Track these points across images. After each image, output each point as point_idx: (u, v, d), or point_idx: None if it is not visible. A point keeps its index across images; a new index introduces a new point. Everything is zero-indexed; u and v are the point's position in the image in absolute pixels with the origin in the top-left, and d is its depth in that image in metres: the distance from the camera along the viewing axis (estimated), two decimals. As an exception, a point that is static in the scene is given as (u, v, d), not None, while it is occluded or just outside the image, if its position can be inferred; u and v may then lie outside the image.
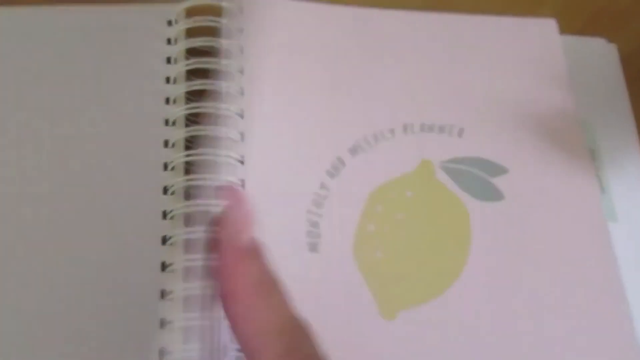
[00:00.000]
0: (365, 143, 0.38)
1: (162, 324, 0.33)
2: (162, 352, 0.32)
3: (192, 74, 0.39)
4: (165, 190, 0.36)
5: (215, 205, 0.34)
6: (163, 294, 0.34)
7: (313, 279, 0.35)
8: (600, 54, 0.47)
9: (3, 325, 0.33)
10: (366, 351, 0.34)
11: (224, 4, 0.40)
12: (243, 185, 0.36)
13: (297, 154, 0.38)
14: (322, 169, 0.37)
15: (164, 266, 0.34)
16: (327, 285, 0.35)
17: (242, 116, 0.38)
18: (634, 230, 0.41)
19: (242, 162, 0.37)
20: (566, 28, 0.46)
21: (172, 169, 0.37)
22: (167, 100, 0.38)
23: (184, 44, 0.39)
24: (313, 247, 0.36)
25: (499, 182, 0.39)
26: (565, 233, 0.38)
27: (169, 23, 0.41)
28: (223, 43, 0.39)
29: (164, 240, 0.35)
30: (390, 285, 0.36)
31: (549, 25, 0.44)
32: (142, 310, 0.33)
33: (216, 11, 0.40)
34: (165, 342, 0.32)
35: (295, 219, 0.36)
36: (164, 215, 0.36)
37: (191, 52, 0.40)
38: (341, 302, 0.35)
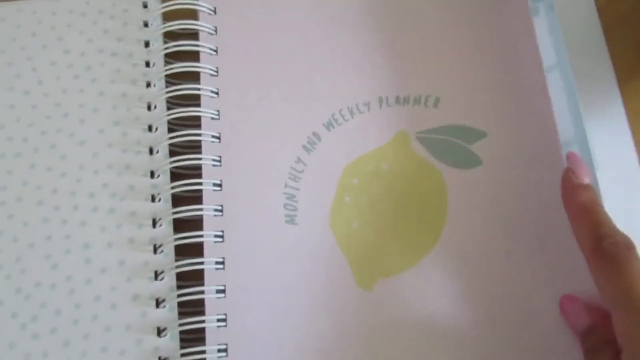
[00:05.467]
0: (340, 117, 0.39)
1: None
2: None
3: (170, 56, 0.41)
4: (152, 175, 0.38)
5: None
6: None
7: (291, 250, 0.37)
8: (577, 3, 0.47)
9: None
10: (345, 320, 0.36)
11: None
12: (220, 162, 0.38)
13: (273, 130, 0.39)
14: (298, 144, 0.39)
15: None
16: (305, 256, 0.37)
17: (217, 94, 0.39)
18: (615, 177, 0.42)
19: (219, 139, 0.38)
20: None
21: (157, 152, 0.38)
22: (148, 84, 0.40)
23: (160, 27, 0.41)
24: (291, 220, 0.37)
25: (477, 147, 0.39)
26: (543, 194, 0.38)
27: (145, 5, 0.42)
28: (198, 25, 0.40)
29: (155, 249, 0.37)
30: (366, 256, 0.37)
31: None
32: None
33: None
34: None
35: (273, 193, 0.38)
36: (152, 198, 0.38)
37: (168, 36, 0.41)
38: (319, 272, 0.36)
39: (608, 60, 0.46)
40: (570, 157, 0.36)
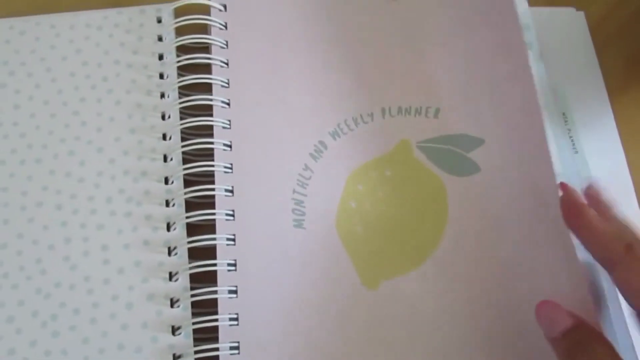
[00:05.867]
0: (345, 127, 0.41)
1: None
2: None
3: (183, 69, 0.43)
4: (166, 181, 0.40)
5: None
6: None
7: (300, 253, 0.38)
8: (569, 21, 0.49)
9: None
10: (351, 319, 0.37)
11: (209, 2, 0.43)
12: (232, 169, 0.40)
13: (282, 138, 0.41)
14: (306, 152, 0.41)
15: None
16: (313, 258, 0.38)
17: (229, 105, 0.41)
18: (607, 181, 0.44)
19: (230, 148, 0.40)
20: (538, 0, 0.49)
21: (171, 159, 0.40)
22: (162, 95, 0.42)
23: (174, 41, 0.43)
24: (299, 224, 0.39)
25: (475, 155, 0.41)
26: (537, 198, 0.40)
27: (159, 20, 0.44)
28: (210, 39, 0.43)
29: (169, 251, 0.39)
30: (371, 258, 0.39)
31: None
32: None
33: (204, 10, 0.43)
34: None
35: (282, 198, 0.39)
36: (167, 203, 0.40)
37: (181, 49, 0.43)
38: (326, 273, 0.38)
39: (600, 75, 0.48)
40: (564, 186, 0.38)
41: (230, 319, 0.37)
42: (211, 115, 0.41)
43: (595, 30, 0.49)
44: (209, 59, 0.42)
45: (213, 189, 0.39)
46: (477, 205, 0.40)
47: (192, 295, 0.37)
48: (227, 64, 0.42)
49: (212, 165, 0.40)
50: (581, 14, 0.50)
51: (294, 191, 0.40)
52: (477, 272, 0.38)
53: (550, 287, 0.37)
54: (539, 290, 0.37)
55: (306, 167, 0.40)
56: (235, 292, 0.37)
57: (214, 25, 0.43)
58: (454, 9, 0.44)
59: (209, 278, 0.38)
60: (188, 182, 0.40)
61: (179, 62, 0.42)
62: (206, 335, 0.37)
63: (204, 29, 0.44)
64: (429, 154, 0.41)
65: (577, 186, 0.40)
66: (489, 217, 0.39)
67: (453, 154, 0.41)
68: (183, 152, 0.40)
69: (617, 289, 0.35)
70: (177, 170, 0.40)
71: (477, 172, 0.40)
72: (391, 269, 0.38)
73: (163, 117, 0.41)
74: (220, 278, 0.37)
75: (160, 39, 0.43)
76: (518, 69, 0.42)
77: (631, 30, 0.50)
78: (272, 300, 0.37)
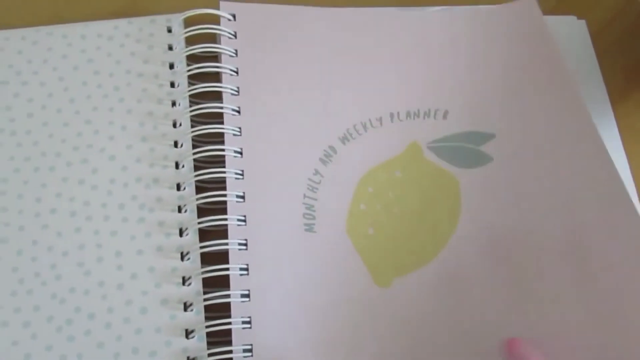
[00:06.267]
0: (355, 132, 0.42)
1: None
2: None
3: (193, 77, 0.43)
4: (178, 187, 0.41)
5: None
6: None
7: (311, 256, 0.39)
8: (571, 29, 0.50)
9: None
10: (364, 317, 0.38)
11: (218, 12, 0.44)
12: (243, 175, 0.40)
13: (292, 144, 0.41)
14: (316, 157, 0.41)
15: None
16: (324, 261, 0.39)
17: (239, 112, 0.42)
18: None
19: (241, 154, 0.41)
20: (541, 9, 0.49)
21: (183, 166, 0.41)
22: (173, 103, 0.42)
23: (184, 50, 0.43)
24: (310, 228, 0.40)
25: (486, 147, 0.42)
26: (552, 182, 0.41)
27: (169, 30, 0.45)
28: (220, 48, 0.43)
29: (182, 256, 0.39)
30: (383, 257, 0.39)
31: (529, 5, 0.48)
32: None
33: (213, 20, 0.44)
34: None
35: (293, 203, 0.40)
36: (179, 209, 0.40)
37: (190, 59, 0.44)
38: (338, 275, 0.39)
39: (602, 82, 0.49)
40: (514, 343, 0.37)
41: (243, 322, 0.37)
42: (221, 122, 0.41)
43: (597, 38, 0.50)
44: (219, 67, 0.43)
45: (225, 195, 0.40)
46: (491, 193, 0.41)
47: (205, 299, 0.38)
48: (236, 72, 0.43)
49: (224, 172, 0.40)
50: (582, 22, 0.51)
51: (305, 196, 0.40)
52: (494, 262, 0.39)
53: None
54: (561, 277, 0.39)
55: (316, 172, 0.41)
56: (247, 295, 0.38)
57: (223, 35, 0.44)
58: (473, 18, 0.45)
59: (222, 282, 0.38)
60: (199, 188, 0.41)
61: (189, 70, 0.43)
62: (219, 339, 0.37)
63: (213, 38, 0.44)
64: (439, 153, 0.42)
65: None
66: (504, 203, 0.40)
67: (464, 149, 0.42)
68: (194, 159, 0.41)
69: None
70: (189, 177, 0.40)
71: (490, 161, 0.41)
72: (403, 266, 0.39)
73: (174, 125, 0.42)
74: (232, 282, 0.38)
75: (170, 48, 0.44)
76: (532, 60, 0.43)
77: (632, 39, 0.51)
78: (283, 302, 0.38)
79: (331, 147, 0.41)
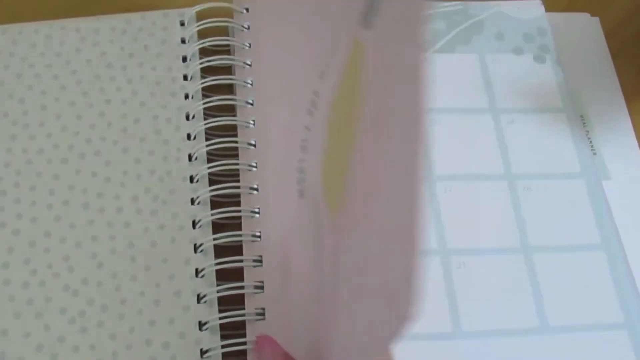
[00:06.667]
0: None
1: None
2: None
3: (205, 71, 0.43)
4: (191, 179, 0.40)
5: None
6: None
7: (303, 224, 0.37)
8: (585, 27, 0.50)
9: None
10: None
11: (231, 5, 0.44)
12: (256, 167, 0.40)
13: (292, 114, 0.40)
14: (304, 110, 0.39)
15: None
16: (315, 229, 0.37)
17: (252, 104, 0.42)
18: (626, 185, 0.45)
19: (254, 147, 0.41)
20: (554, 6, 0.49)
21: (196, 159, 0.41)
22: (187, 96, 0.42)
23: (197, 43, 0.43)
24: (301, 194, 0.38)
25: None
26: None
27: (182, 24, 0.45)
28: (233, 41, 0.43)
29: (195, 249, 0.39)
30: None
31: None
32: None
33: (225, 13, 0.44)
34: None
35: (289, 169, 0.39)
36: (192, 201, 0.40)
37: (203, 52, 0.44)
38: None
39: (616, 80, 0.49)
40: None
41: (257, 314, 0.37)
42: (234, 115, 0.41)
43: (610, 36, 0.50)
44: (232, 59, 0.42)
45: (238, 187, 0.39)
46: None
47: (219, 291, 0.37)
48: (250, 65, 0.43)
49: (237, 164, 0.40)
50: (596, 19, 0.51)
51: (299, 159, 0.39)
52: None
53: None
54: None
55: (306, 128, 0.40)
56: (261, 287, 0.37)
57: (236, 28, 0.44)
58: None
59: (235, 274, 0.38)
60: (212, 181, 0.40)
61: (202, 64, 0.43)
62: (233, 332, 0.37)
63: (226, 31, 0.44)
64: None
65: (597, 186, 0.41)
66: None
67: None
68: (207, 152, 0.41)
69: None
70: (202, 169, 0.40)
71: None
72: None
73: (187, 118, 0.42)
74: (246, 274, 0.38)
75: (183, 41, 0.44)
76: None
77: (646, 37, 0.51)
78: (298, 293, 0.37)
79: (315, 92, 0.40)
